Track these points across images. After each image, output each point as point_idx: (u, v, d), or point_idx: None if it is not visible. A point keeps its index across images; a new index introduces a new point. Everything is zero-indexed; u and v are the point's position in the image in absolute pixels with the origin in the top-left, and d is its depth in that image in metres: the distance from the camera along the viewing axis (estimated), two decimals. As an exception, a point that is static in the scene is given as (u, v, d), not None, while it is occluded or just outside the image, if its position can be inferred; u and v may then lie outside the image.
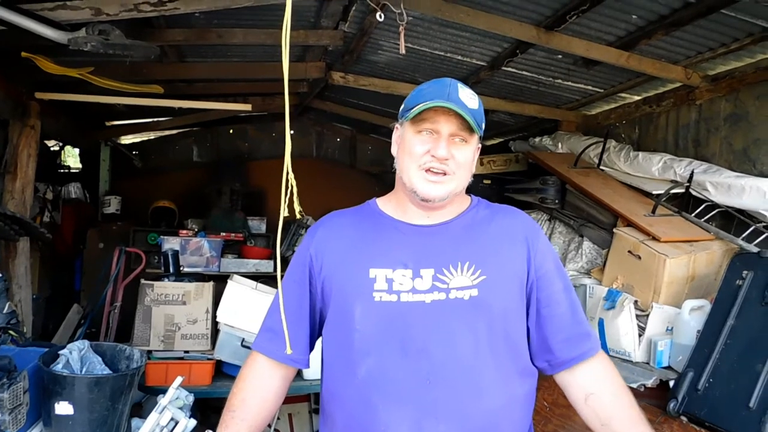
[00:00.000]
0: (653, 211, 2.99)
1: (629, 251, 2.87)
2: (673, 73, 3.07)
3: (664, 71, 3.06)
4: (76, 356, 1.84)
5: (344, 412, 1.29)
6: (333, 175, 5.90)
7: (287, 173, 1.04)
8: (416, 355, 1.24)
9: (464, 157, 1.30)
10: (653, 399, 2.45)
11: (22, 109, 3.43)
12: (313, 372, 2.85)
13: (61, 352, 1.87)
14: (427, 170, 1.28)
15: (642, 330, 2.69)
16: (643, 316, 2.72)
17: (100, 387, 1.77)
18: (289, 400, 4.15)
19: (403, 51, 2.44)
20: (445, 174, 1.28)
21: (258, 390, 1.38)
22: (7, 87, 3.26)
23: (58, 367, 1.80)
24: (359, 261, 1.30)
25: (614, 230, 3.04)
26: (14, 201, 3.30)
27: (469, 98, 1.30)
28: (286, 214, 1.06)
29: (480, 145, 1.37)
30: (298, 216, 1.10)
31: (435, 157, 1.27)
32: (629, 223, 2.99)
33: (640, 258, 2.81)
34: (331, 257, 1.33)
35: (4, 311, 2.04)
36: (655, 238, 2.78)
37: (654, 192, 3.23)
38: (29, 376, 1.68)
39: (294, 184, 1.04)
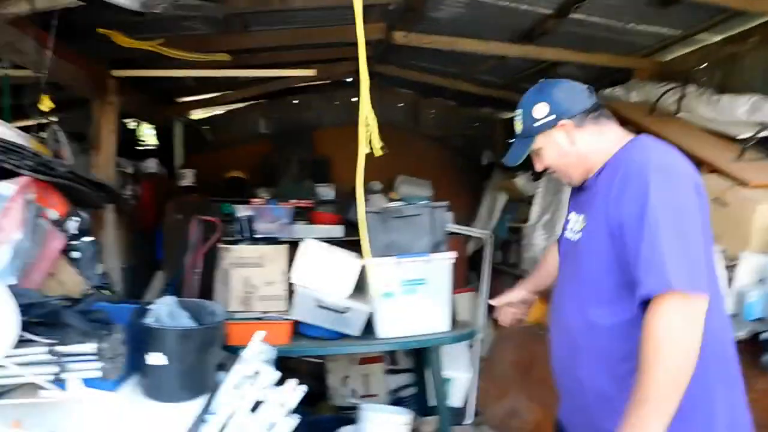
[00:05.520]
0: (740, 156, 2.82)
1: (715, 199, 2.72)
2: (760, 6, 2.84)
3: (751, 4, 2.83)
4: (165, 311, 1.94)
5: None
6: (396, 140, 5.78)
7: (365, 111, 1.04)
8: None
9: (549, 158, 1.68)
10: (744, 354, 2.33)
11: (101, 86, 3.59)
12: (386, 331, 2.89)
13: (150, 307, 1.97)
14: None
15: (730, 281, 2.56)
16: (731, 266, 2.59)
17: (190, 338, 1.86)
18: (364, 360, 4.25)
19: None
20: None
21: None
22: (87, 66, 3.41)
23: (150, 320, 1.91)
24: None
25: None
26: (99, 175, 3.49)
27: (516, 124, 1.71)
28: (367, 150, 1.06)
29: (561, 123, 1.61)
30: (379, 152, 1.09)
31: None
32: (713, 170, 2.83)
33: (727, 205, 2.66)
34: None
35: (98, 272, 2.18)
36: (743, 184, 2.62)
37: (740, 136, 3.04)
38: (124, 328, 1.79)
39: (374, 119, 1.03)
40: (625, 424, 1.28)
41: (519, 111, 1.68)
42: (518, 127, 1.69)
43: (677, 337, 1.26)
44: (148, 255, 4.87)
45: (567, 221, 1.72)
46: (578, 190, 1.71)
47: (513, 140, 1.71)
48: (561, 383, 1.72)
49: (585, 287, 1.53)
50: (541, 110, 1.62)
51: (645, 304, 1.34)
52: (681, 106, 3.45)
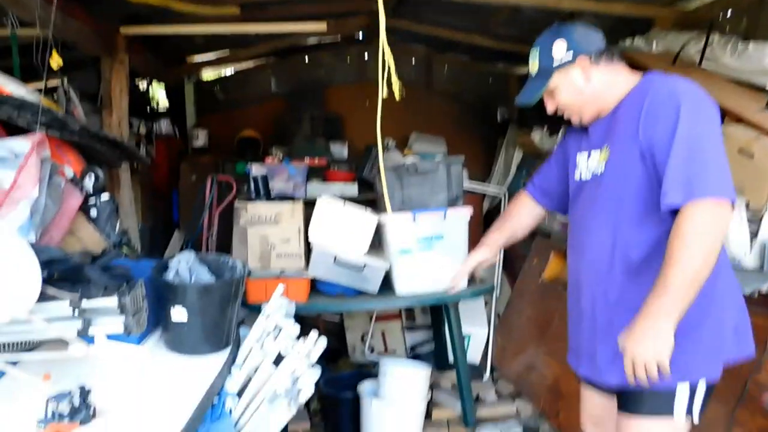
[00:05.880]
0: (767, 106, 2.73)
1: (739, 150, 2.65)
2: (793, -54, 2.71)
3: (783, -56, 2.70)
4: (185, 266, 1.94)
5: None
6: (409, 96, 5.70)
7: (383, 53, 1.00)
8: None
9: (564, 97, 1.71)
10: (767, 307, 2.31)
11: (110, 44, 3.53)
12: (404, 287, 2.88)
13: (170, 263, 1.97)
14: None
15: (754, 234, 2.52)
16: (755, 219, 2.54)
17: (210, 293, 1.86)
18: (381, 318, 4.28)
19: None
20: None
21: None
22: (95, 24, 3.34)
23: (170, 276, 1.91)
24: None
25: (722, 128, 2.81)
26: (112, 134, 3.47)
27: (532, 64, 1.73)
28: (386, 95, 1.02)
29: (579, 59, 1.66)
30: (398, 96, 1.06)
31: None
32: (739, 120, 2.75)
33: (752, 157, 2.60)
34: None
35: (116, 230, 2.18)
36: (770, 133, 2.55)
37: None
38: (145, 284, 1.79)
39: (392, 63, 0.99)
40: (643, 311, 1.43)
41: (536, 50, 1.72)
42: (534, 66, 1.73)
43: (704, 235, 1.39)
44: (165, 215, 4.90)
45: (573, 165, 1.79)
46: (580, 131, 1.78)
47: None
48: (583, 313, 1.72)
49: (616, 212, 1.59)
50: (559, 48, 1.66)
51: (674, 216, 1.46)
52: (705, 55, 3.34)
